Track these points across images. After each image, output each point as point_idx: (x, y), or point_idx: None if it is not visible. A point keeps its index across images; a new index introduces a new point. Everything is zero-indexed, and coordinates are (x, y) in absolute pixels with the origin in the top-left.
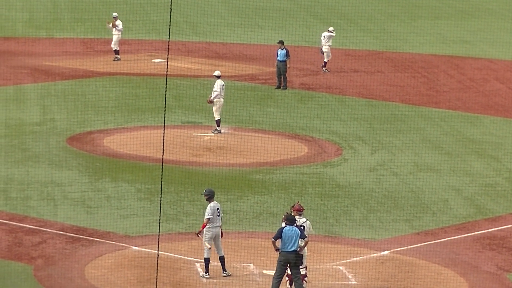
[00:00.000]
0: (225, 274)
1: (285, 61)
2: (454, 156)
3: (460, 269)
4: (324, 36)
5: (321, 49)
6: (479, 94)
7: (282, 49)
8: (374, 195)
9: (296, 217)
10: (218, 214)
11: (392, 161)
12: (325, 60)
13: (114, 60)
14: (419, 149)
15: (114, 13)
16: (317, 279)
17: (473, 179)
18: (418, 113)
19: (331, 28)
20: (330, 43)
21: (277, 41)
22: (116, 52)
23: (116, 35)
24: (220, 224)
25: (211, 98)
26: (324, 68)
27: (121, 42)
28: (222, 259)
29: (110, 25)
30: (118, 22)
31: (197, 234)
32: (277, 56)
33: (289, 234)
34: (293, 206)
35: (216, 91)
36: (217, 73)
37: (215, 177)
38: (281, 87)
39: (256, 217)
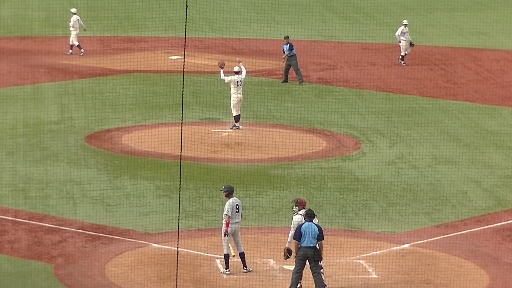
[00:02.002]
0: (245, 270)
1: (295, 55)
2: (473, 148)
3: (481, 261)
4: (400, 30)
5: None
6: (497, 85)
7: (287, 44)
8: (393, 188)
9: (302, 211)
10: (237, 210)
11: (411, 154)
12: (403, 53)
13: (81, 55)
14: (437, 142)
15: (72, 9)
16: (338, 273)
17: (492, 170)
18: (436, 106)
19: (405, 21)
20: (404, 37)
21: (284, 37)
22: (79, 47)
23: (73, 31)
24: (239, 220)
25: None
26: (402, 62)
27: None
28: (242, 255)
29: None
30: (73, 18)
31: (225, 234)
32: (284, 52)
33: (308, 230)
34: (297, 201)
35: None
36: (235, 69)
37: (234, 173)
38: (298, 82)
39: (275, 212)
